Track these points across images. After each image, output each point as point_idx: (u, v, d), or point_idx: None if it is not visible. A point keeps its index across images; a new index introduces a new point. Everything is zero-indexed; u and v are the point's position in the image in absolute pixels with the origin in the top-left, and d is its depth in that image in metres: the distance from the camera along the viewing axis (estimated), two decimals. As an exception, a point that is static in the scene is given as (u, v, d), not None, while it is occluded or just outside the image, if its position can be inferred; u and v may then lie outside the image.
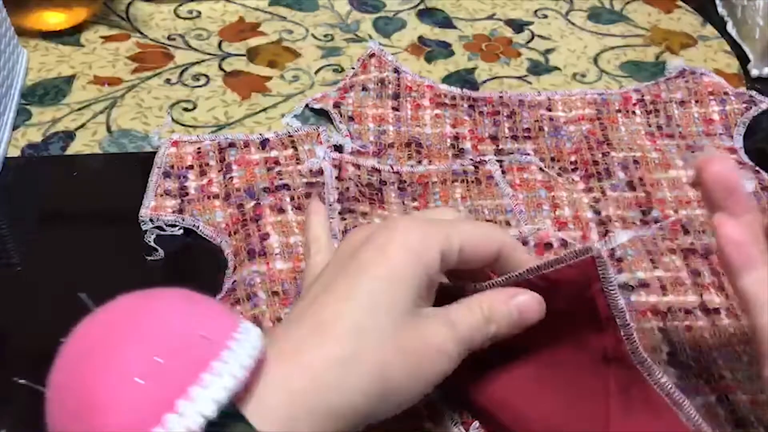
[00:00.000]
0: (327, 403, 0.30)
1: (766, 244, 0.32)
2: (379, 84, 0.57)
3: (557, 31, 0.66)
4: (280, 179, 0.49)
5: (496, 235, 0.37)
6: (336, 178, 0.49)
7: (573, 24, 0.67)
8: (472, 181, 0.50)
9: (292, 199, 0.48)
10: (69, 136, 0.54)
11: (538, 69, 0.62)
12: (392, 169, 0.51)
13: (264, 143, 0.51)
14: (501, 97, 0.57)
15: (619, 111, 0.56)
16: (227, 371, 0.27)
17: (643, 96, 0.57)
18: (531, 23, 0.67)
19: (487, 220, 0.48)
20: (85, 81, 0.59)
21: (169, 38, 0.63)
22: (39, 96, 0.57)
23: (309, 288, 0.35)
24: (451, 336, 0.33)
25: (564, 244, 0.46)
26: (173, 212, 0.48)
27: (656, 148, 0.53)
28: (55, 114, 0.56)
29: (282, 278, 0.43)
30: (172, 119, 0.55)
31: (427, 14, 0.68)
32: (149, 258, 0.46)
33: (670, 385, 0.34)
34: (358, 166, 0.50)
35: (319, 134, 0.52)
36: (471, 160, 0.52)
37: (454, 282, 0.37)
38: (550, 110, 0.56)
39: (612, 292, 0.33)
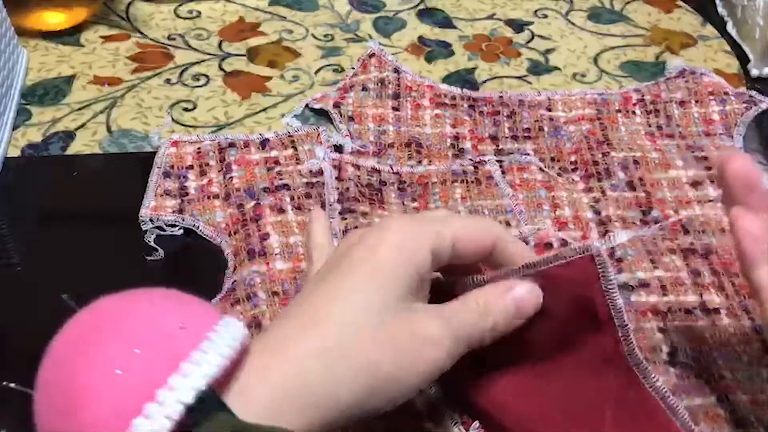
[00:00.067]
0: (310, 395, 0.30)
1: None
2: (379, 84, 0.57)
3: (557, 31, 0.66)
4: (280, 179, 0.49)
5: (489, 227, 0.37)
6: (336, 178, 0.49)
7: (573, 24, 0.67)
8: (472, 182, 0.50)
9: (292, 199, 0.48)
10: (69, 136, 0.54)
11: (538, 69, 0.62)
12: (392, 169, 0.51)
13: (264, 143, 0.51)
14: (501, 97, 0.57)
15: (619, 111, 0.56)
16: (206, 360, 0.28)
17: (643, 96, 0.57)
18: (531, 23, 0.67)
19: (487, 220, 0.48)
20: (85, 81, 0.59)
21: (169, 38, 0.63)
22: (39, 96, 0.57)
23: (304, 287, 0.35)
24: (444, 328, 0.33)
25: (564, 244, 0.46)
26: (173, 212, 0.48)
27: (656, 148, 0.53)
28: (55, 114, 0.56)
29: (282, 278, 0.44)
30: (172, 119, 0.55)
31: (427, 14, 0.68)
32: (149, 258, 0.46)
33: (665, 389, 0.34)
34: (357, 167, 0.50)
35: (319, 134, 0.52)
36: (471, 160, 0.52)
37: (450, 279, 0.37)
38: (550, 110, 0.56)
39: (611, 291, 0.33)
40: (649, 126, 0.55)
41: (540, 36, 0.65)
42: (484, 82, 0.60)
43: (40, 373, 0.28)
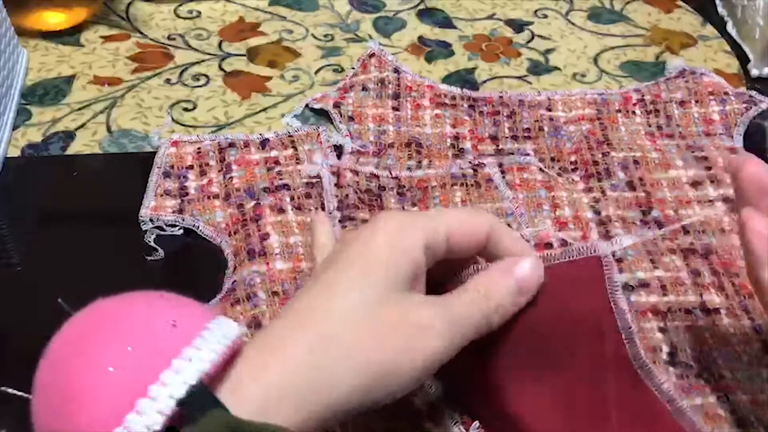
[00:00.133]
0: (307, 392, 0.30)
1: None
2: (379, 84, 0.57)
3: (557, 31, 0.66)
4: (280, 179, 0.49)
5: (483, 218, 0.36)
6: (335, 185, 0.49)
7: (573, 24, 0.67)
8: (472, 185, 0.50)
9: (292, 199, 0.48)
10: (69, 136, 0.54)
11: (538, 69, 0.62)
12: (391, 174, 0.51)
13: (264, 143, 0.51)
14: (501, 97, 0.57)
15: (619, 111, 0.56)
16: (198, 357, 0.28)
17: (643, 96, 0.57)
18: (531, 23, 0.67)
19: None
20: (85, 81, 0.59)
21: (169, 38, 0.63)
22: (39, 96, 0.57)
23: (303, 285, 0.35)
24: (437, 313, 0.33)
25: (564, 244, 0.46)
26: (173, 212, 0.48)
27: (656, 148, 0.53)
28: (55, 114, 0.56)
29: (282, 278, 0.44)
30: (172, 119, 0.55)
31: (427, 14, 0.68)
32: (149, 258, 0.46)
33: (671, 392, 0.34)
34: (356, 173, 0.50)
35: (319, 134, 0.52)
36: (470, 162, 0.51)
37: (447, 274, 0.37)
38: (550, 110, 0.56)
39: (616, 293, 0.34)
40: (649, 126, 0.55)
41: (540, 36, 0.65)
42: (484, 82, 0.60)
43: (38, 374, 0.29)
